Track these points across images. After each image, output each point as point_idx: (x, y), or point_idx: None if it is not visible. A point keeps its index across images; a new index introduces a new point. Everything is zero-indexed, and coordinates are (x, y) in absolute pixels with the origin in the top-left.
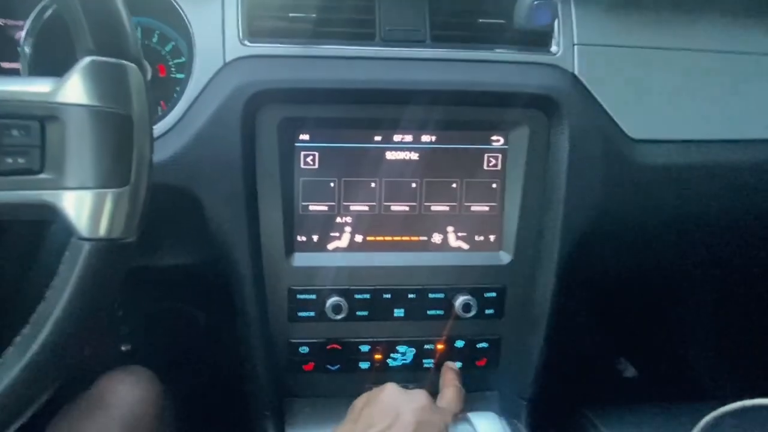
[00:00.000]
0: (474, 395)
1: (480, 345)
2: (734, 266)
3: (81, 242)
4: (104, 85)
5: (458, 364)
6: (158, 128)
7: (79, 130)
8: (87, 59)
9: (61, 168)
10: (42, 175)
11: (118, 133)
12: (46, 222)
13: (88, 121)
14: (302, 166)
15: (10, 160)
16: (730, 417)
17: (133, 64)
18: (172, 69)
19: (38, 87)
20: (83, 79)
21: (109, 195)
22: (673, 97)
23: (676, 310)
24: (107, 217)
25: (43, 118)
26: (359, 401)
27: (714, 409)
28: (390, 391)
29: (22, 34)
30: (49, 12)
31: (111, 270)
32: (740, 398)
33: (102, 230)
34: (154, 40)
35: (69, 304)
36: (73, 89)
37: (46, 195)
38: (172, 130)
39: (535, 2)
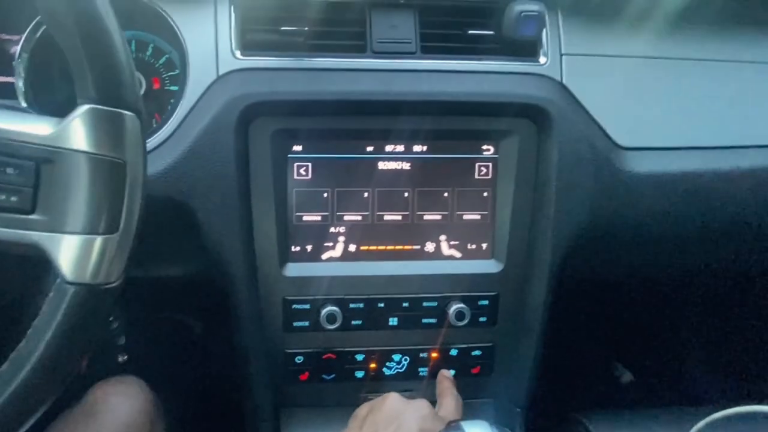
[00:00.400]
0: (468, 403)
1: (474, 353)
2: (726, 273)
3: (66, 286)
4: (102, 133)
5: (452, 372)
6: (152, 141)
7: (73, 175)
8: (86, 106)
9: (52, 210)
10: (33, 216)
11: (112, 181)
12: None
13: (84, 167)
14: (295, 176)
15: (2, 197)
16: (723, 422)
17: (131, 113)
18: (166, 81)
19: (38, 128)
20: (82, 125)
21: (98, 241)
22: (660, 105)
23: (670, 316)
24: (94, 262)
25: (40, 159)
26: (362, 410)
27: (708, 414)
28: (393, 399)
29: (18, 48)
30: (43, 28)
31: (94, 313)
32: (735, 404)
33: (88, 275)
34: (149, 53)
35: (49, 346)
36: (72, 135)
37: (35, 236)
38: (166, 142)
39: (523, 13)
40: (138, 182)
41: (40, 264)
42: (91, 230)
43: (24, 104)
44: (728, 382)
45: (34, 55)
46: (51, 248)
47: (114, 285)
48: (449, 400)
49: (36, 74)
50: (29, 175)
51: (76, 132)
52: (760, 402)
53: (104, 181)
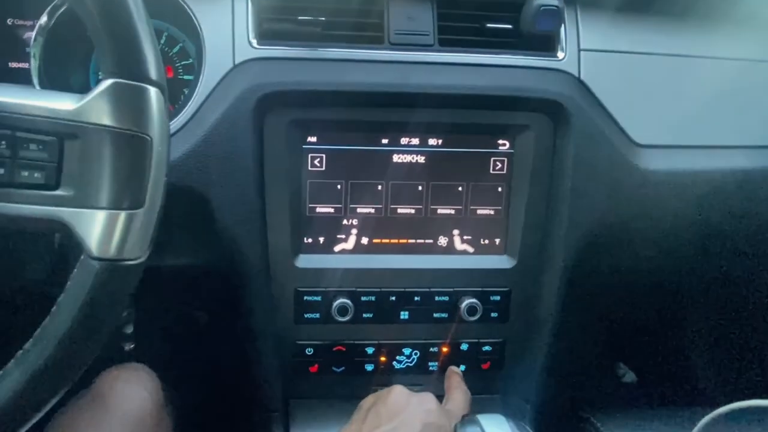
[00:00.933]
0: (478, 398)
1: (485, 348)
2: (736, 273)
3: (91, 261)
4: (126, 108)
5: (462, 367)
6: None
7: (98, 150)
8: (110, 81)
9: (77, 186)
10: (57, 192)
11: (136, 156)
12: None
13: (108, 142)
14: (310, 168)
15: (26, 173)
16: (726, 419)
17: (155, 88)
18: (180, 71)
19: (61, 104)
20: (105, 100)
21: (122, 216)
22: (678, 102)
23: (676, 315)
24: (118, 238)
25: (64, 135)
26: (366, 402)
27: (709, 412)
28: (397, 392)
29: (32, 34)
30: (59, 12)
31: (118, 290)
32: (738, 399)
33: (112, 251)
34: (162, 41)
35: (74, 322)
36: (96, 110)
37: (60, 212)
38: (180, 131)
39: (542, 8)
40: (162, 158)
41: (65, 240)
42: (116, 205)
43: (38, 88)
44: (733, 380)
45: (50, 40)
46: (76, 224)
47: (138, 262)
48: (458, 394)
49: (51, 59)
50: (53, 151)
51: (100, 107)
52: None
53: (128, 157)
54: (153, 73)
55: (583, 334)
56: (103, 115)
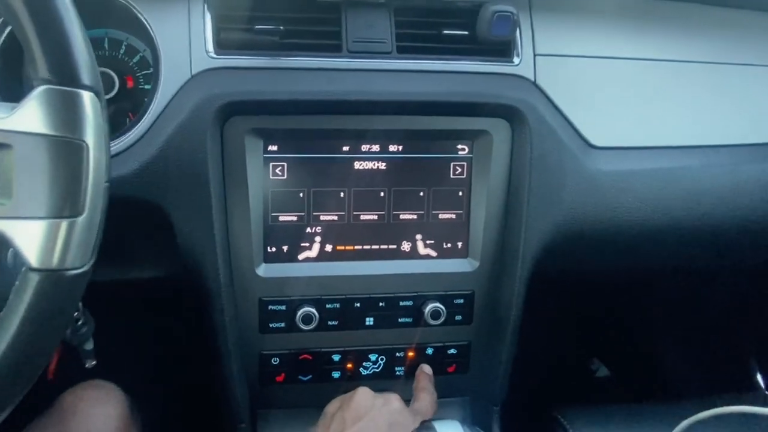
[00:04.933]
0: (444, 401)
1: (450, 351)
2: (698, 269)
3: (31, 273)
4: (58, 114)
5: None
6: (126, 140)
7: (31, 159)
8: (42, 87)
9: (12, 196)
10: None
11: (72, 162)
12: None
13: (41, 150)
14: (271, 176)
15: None
16: (703, 423)
17: (89, 92)
18: (140, 80)
19: None
20: (37, 107)
21: (63, 225)
22: (631, 105)
23: (645, 311)
24: (60, 247)
25: None
26: (331, 406)
27: (685, 409)
28: (361, 395)
29: None
30: (9, 29)
31: (63, 301)
32: (710, 398)
33: (54, 261)
34: (122, 51)
35: (16, 336)
36: (27, 117)
37: None
38: (139, 141)
39: (496, 14)
40: (101, 163)
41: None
42: (54, 214)
43: None
44: (703, 375)
45: (3, 51)
46: (13, 235)
47: (82, 270)
48: (424, 396)
49: (5, 70)
50: None
51: (32, 114)
52: (736, 396)
53: (65, 164)
54: (86, 77)
55: (550, 333)
56: (36, 123)
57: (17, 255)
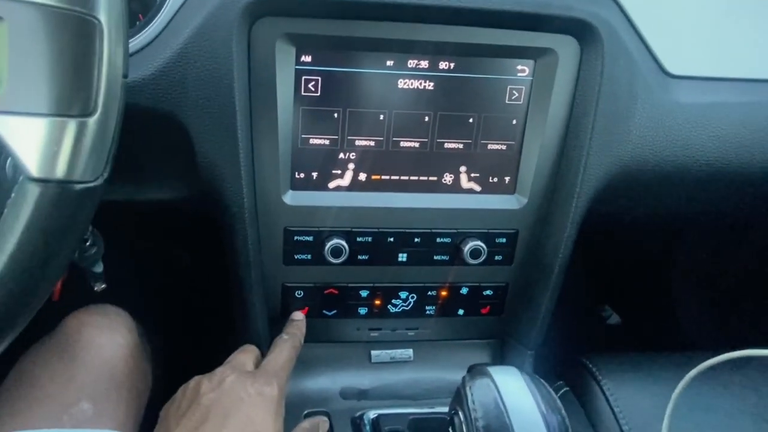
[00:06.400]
0: (475, 343)
1: (486, 292)
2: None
3: (30, 184)
4: None
5: (461, 311)
6: (136, 42)
7: (29, 36)
8: None
9: (6, 85)
10: None
11: (82, 43)
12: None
13: (41, 25)
14: (303, 92)
15: None
16: (722, 366)
17: None
18: None
19: None
20: None
21: (70, 125)
22: (717, 31)
23: (668, 257)
24: (66, 153)
25: None
26: (170, 410)
27: (699, 356)
28: (193, 384)
29: None
30: None
31: (69, 220)
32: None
33: (59, 171)
34: None
35: (11, 261)
36: None
37: None
38: (151, 44)
39: None
40: (118, 50)
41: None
42: (60, 111)
43: None
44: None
45: None
46: (9, 135)
47: (93, 185)
48: (281, 350)
49: None
50: None
51: None
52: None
53: (73, 45)
54: None
55: (575, 277)
56: None
57: (14, 161)
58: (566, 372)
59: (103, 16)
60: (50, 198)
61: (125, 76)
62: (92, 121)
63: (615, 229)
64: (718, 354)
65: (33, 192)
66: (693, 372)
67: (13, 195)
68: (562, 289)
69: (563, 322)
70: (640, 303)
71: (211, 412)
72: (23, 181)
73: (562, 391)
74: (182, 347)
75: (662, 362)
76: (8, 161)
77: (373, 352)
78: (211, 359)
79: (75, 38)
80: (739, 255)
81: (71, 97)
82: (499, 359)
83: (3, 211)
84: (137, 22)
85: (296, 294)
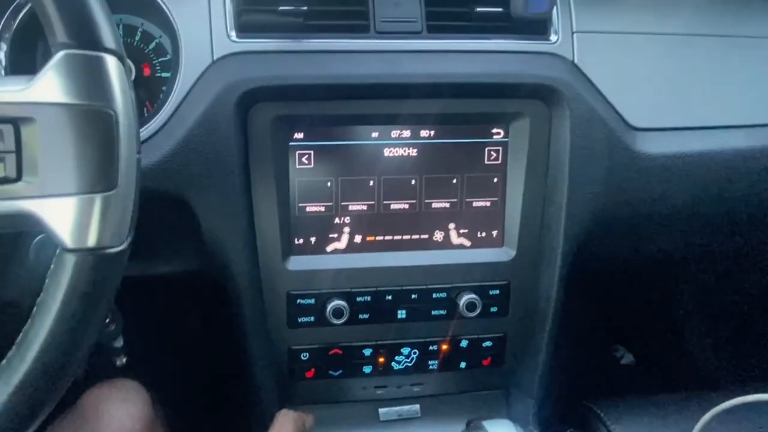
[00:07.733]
0: (479, 395)
1: (485, 344)
2: (738, 253)
3: (67, 254)
4: (81, 81)
5: (463, 365)
6: (145, 131)
7: (56, 131)
8: (61, 53)
9: (41, 174)
10: (20, 183)
11: (101, 132)
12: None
13: (66, 121)
14: (297, 165)
15: None
16: (734, 410)
17: (112, 56)
18: (157, 68)
19: (11, 87)
20: (57, 75)
21: (97, 200)
22: (674, 83)
23: (675, 297)
24: (95, 224)
25: (17, 119)
26: None
27: (712, 399)
28: None
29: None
30: (25, 10)
31: (103, 282)
32: (740, 388)
33: (90, 240)
34: (137, 38)
35: (56, 325)
36: (47, 87)
37: (27, 204)
38: (159, 132)
39: None
40: (132, 133)
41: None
42: (87, 189)
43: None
44: (733, 366)
45: (15, 40)
46: (46, 215)
47: (121, 249)
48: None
49: (18, 60)
50: (8, 140)
51: (53, 83)
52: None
53: (92, 135)
54: (108, 40)
55: (581, 320)
56: (57, 92)
57: (42, 245)
58: (574, 417)
59: (117, 108)
60: (85, 264)
61: (139, 152)
62: (115, 194)
63: (616, 270)
64: (732, 395)
65: (70, 261)
66: (707, 416)
67: (52, 267)
68: (570, 332)
69: (575, 365)
70: (653, 342)
71: None
72: (60, 253)
73: None
74: (196, 413)
75: (673, 406)
76: (32, 246)
77: (381, 410)
78: (223, 423)
79: (96, 129)
80: (742, 289)
81: (96, 176)
82: (504, 410)
83: (29, 287)
84: (145, 110)
85: (302, 356)
